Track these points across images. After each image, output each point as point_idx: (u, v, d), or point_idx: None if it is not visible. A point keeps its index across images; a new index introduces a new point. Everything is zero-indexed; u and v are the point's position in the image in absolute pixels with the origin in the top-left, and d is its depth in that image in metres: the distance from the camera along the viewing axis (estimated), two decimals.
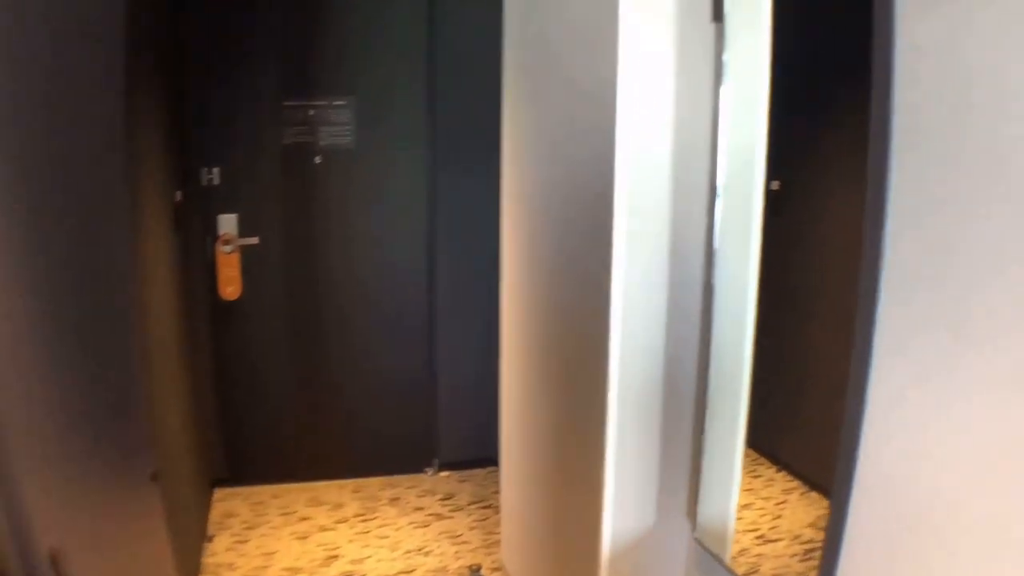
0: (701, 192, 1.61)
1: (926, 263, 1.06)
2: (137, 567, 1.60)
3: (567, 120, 1.86)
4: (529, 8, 2.12)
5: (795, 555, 1.40)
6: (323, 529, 2.98)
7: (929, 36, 1.04)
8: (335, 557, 2.78)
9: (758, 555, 1.51)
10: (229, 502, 3.16)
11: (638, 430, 1.70)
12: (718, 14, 1.47)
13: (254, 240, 3.10)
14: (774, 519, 1.49)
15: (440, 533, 2.97)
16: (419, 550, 2.84)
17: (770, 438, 1.53)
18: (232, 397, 3.22)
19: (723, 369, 1.60)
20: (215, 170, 3.03)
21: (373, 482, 3.39)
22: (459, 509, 3.19)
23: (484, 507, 3.20)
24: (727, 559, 1.57)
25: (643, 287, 1.63)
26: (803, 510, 1.41)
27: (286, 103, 3.06)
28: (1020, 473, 0.93)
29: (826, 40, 1.22)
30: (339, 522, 3.04)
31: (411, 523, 3.05)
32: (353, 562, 2.75)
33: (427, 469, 3.50)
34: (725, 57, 1.43)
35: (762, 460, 1.55)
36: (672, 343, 1.68)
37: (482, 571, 2.69)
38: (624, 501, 1.72)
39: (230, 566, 2.67)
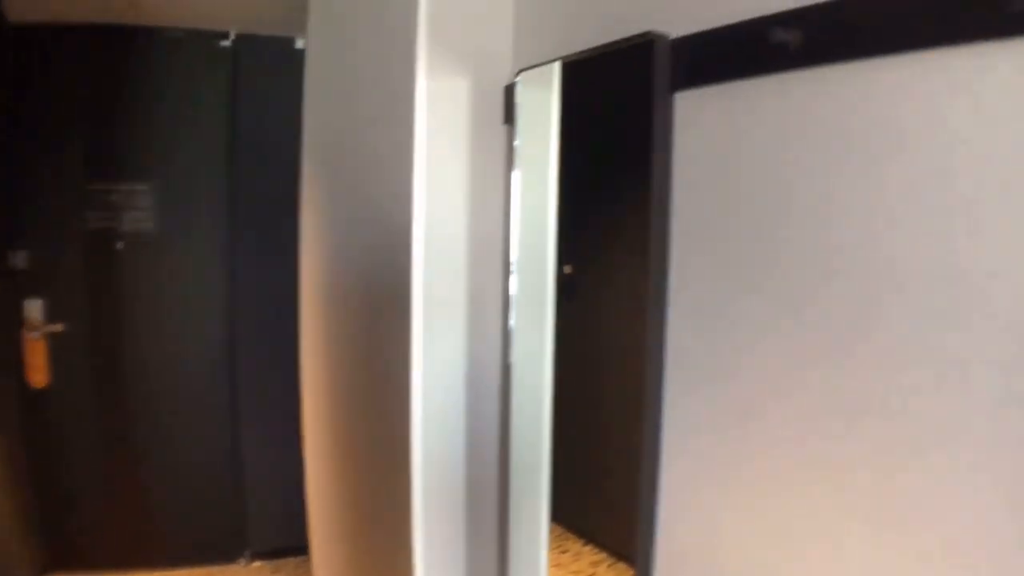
0: (496, 275, 1.67)
1: (706, 356, 1.17)
2: None
3: (366, 209, 1.86)
4: (329, 104, 2.12)
5: None
6: None
7: (704, 144, 1.17)
8: None
9: None
10: None
11: (444, 512, 1.69)
12: (509, 117, 1.56)
13: (60, 327, 2.93)
14: None
15: None
16: None
17: (575, 512, 1.58)
18: (48, 485, 2.98)
19: (524, 446, 1.63)
20: (21, 253, 2.88)
21: (183, 574, 3.14)
22: None
23: None
24: None
25: (442, 369, 1.65)
26: None
27: (91, 186, 2.97)
28: (799, 549, 1.04)
29: (610, 143, 1.33)
30: None
31: None
32: None
33: (240, 559, 3.28)
34: (516, 155, 1.51)
35: (568, 534, 1.58)
36: (473, 423, 1.70)
37: None
38: None
39: None
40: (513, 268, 1.57)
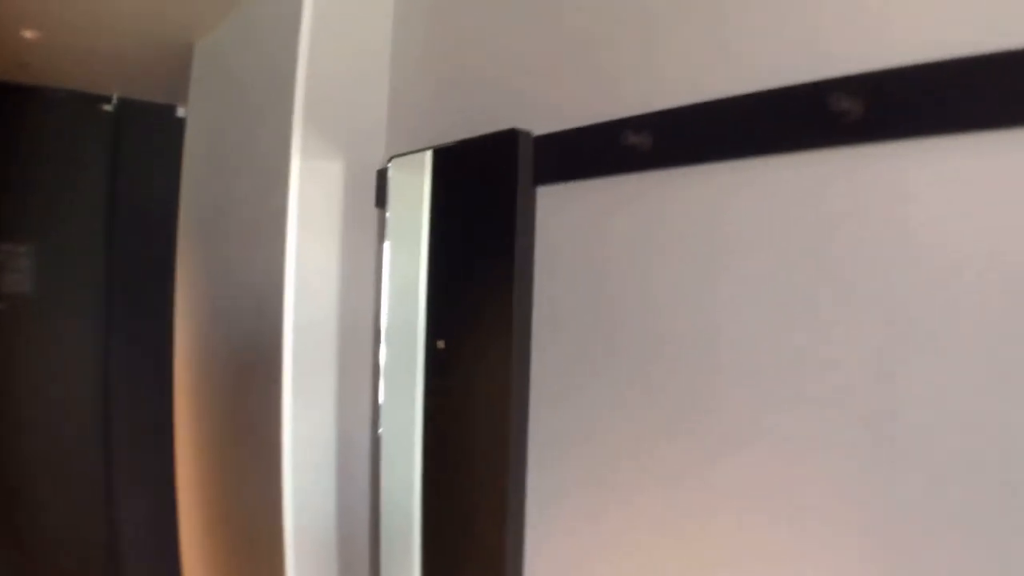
0: (367, 349, 1.68)
1: (568, 428, 1.21)
2: None
3: (240, 280, 1.84)
4: (207, 174, 2.10)
5: None
6: None
7: (563, 235, 1.23)
8: None
9: None
10: None
11: None
12: (380, 201, 1.59)
13: None
14: None
15: None
16: None
17: None
18: None
19: (395, 516, 1.62)
20: None
21: None
22: None
23: None
24: None
25: (313, 440, 1.63)
26: None
27: None
28: None
29: (478, 229, 1.37)
30: None
31: None
32: None
33: None
34: (387, 235, 1.54)
35: None
36: (344, 493, 1.69)
37: None
38: None
39: None
40: (384, 341, 1.57)
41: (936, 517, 0.78)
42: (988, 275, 0.76)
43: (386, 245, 1.54)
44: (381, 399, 1.59)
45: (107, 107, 2.99)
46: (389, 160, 1.53)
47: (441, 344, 1.54)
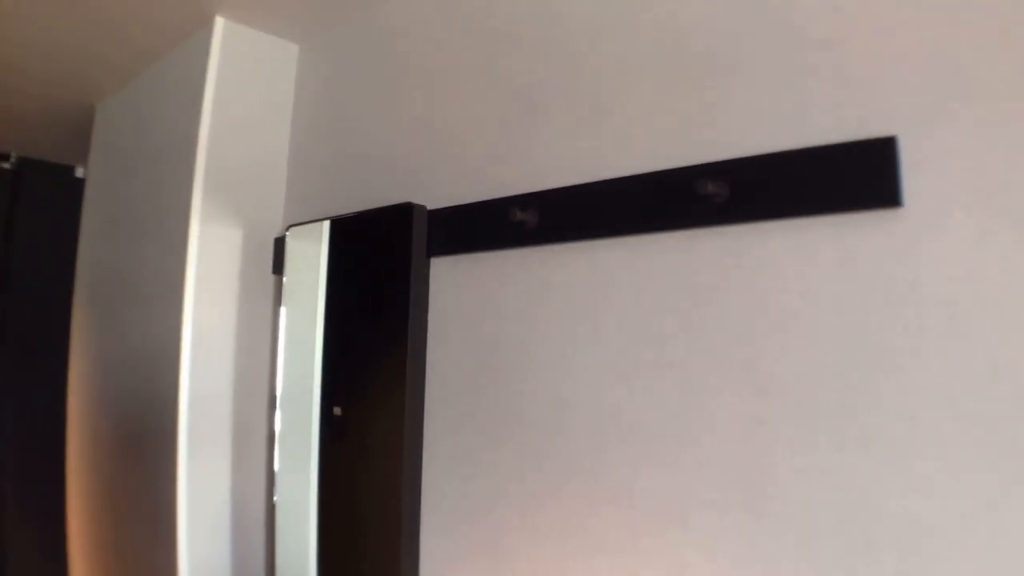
0: (262, 414, 1.66)
1: (458, 498, 1.22)
2: None
3: (135, 346, 1.79)
4: (105, 237, 2.06)
5: None
6: None
7: (456, 304, 1.26)
8: None
9: None
10: None
11: None
12: (278, 268, 1.59)
13: None
14: None
15: None
16: None
17: None
18: None
19: None
20: None
21: None
22: None
23: None
24: None
25: (208, 508, 1.59)
26: None
27: None
28: None
29: (374, 297, 1.39)
30: None
31: None
32: None
33: None
34: (284, 302, 1.54)
35: None
36: (240, 561, 1.63)
37: None
38: None
39: None
40: (279, 407, 1.56)
41: (804, 571, 0.83)
42: (841, 338, 0.83)
43: (283, 312, 1.54)
44: (276, 466, 1.57)
45: (5, 164, 2.91)
46: (287, 228, 1.55)
47: (337, 411, 1.54)
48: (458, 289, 1.27)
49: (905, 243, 0.80)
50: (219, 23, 1.63)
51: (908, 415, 0.78)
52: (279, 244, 1.63)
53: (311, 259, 1.49)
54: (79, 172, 2.94)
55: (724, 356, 0.93)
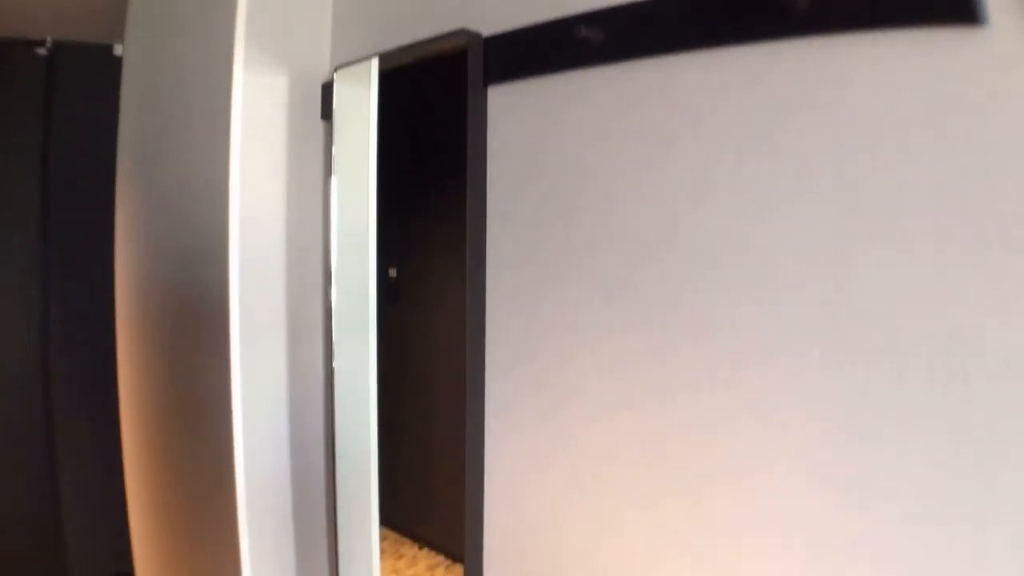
0: (317, 281, 1.63)
1: (524, 339, 1.20)
2: None
3: (182, 216, 1.77)
4: (145, 110, 2.01)
5: None
6: None
7: (517, 135, 1.20)
8: None
9: None
10: None
11: (271, 525, 1.62)
12: (327, 112, 1.53)
13: None
14: None
15: None
16: None
17: (407, 517, 1.56)
18: None
19: (351, 453, 1.60)
20: None
21: None
22: None
23: None
24: None
25: (264, 378, 1.60)
26: None
27: None
28: (618, 522, 1.08)
29: (428, 138, 1.34)
30: None
31: None
32: None
33: None
34: (334, 150, 1.48)
35: (403, 540, 1.56)
36: (298, 431, 1.66)
37: None
38: None
39: None
40: (334, 269, 1.54)
41: (897, 402, 0.79)
42: (936, 156, 0.76)
43: (333, 160, 1.49)
44: (334, 330, 1.56)
45: (40, 51, 2.83)
46: (334, 71, 1.48)
47: (392, 272, 1.52)
48: (518, 118, 1.19)
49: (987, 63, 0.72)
50: None
51: (1003, 239, 0.72)
52: (326, 89, 1.55)
53: (360, 101, 1.42)
54: (117, 50, 2.85)
55: (807, 174, 0.86)
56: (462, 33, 1.21)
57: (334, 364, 1.56)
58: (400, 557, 1.57)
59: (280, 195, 1.57)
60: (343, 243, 1.52)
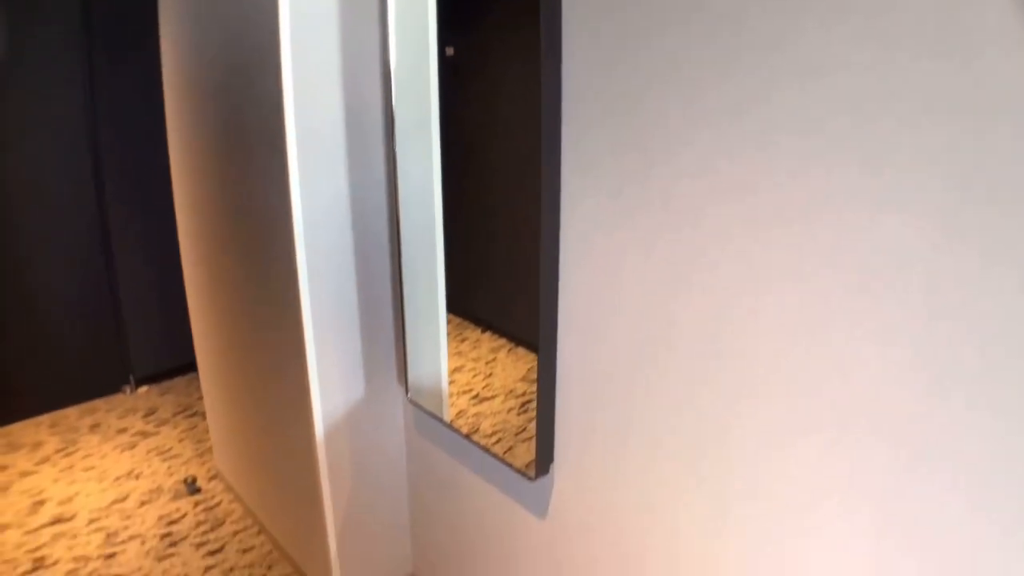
0: (375, 58, 1.53)
1: (604, 95, 1.10)
2: None
3: (231, 16, 1.64)
4: None
5: (511, 409, 1.49)
6: (24, 474, 2.63)
7: None
8: (42, 502, 2.47)
9: (476, 414, 1.58)
10: None
11: (334, 305, 1.67)
12: None
13: None
14: (486, 378, 1.56)
15: (149, 452, 2.77)
16: (129, 474, 2.62)
17: (470, 301, 1.57)
18: None
19: (416, 236, 1.59)
20: None
21: (70, 412, 3.06)
22: (164, 423, 2.98)
23: (191, 415, 3.04)
24: (446, 418, 1.63)
25: (324, 162, 1.56)
26: (512, 366, 1.49)
27: None
28: (708, 295, 1.04)
29: None
30: (40, 463, 2.70)
31: (116, 447, 2.80)
32: (62, 503, 2.47)
33: (124, 387, 3.22)
34: None
35: (466, 323, 1.59)
36: (360, 215, 1.65)
37: (197, 482, 2.55)
38: (330, 379, 1.71)
39: None
40: (392, 46, 1.43)
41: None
42: None
43: None
44: (395, 109, 1.48)
45: None
46: None
47: (450, 51, 1.41)
48: None
49: None
50: None
51: None
52: None
53: None
54: None
55: None
56: None
57: (395, 147, 1.51)
58: (463, 340, 1.60)
59: None
60: (401, 19, 1.40)
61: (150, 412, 3.06)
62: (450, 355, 1.62)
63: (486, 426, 1.56)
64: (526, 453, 1.46)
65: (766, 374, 0.96)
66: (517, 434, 1.48)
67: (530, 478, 1.42)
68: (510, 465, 1.46)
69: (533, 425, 1.44)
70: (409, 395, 1.72)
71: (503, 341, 1.52)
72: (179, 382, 3.31)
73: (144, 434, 2.89)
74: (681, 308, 1.06)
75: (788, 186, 0.88)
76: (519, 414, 1.48)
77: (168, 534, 2.32)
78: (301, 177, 1.52)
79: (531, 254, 1.32)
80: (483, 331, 1.57)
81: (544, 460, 1.39)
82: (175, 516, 2.40)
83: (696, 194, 0.99)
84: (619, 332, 1.18)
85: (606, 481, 1.29)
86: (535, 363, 1.42)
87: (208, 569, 2.16)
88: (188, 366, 3.26)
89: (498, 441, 1.52)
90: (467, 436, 1.57)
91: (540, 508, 1.47)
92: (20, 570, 2.17)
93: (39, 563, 2.20)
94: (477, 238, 1.51)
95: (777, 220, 0.90)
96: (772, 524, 1.00)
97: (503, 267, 1.48)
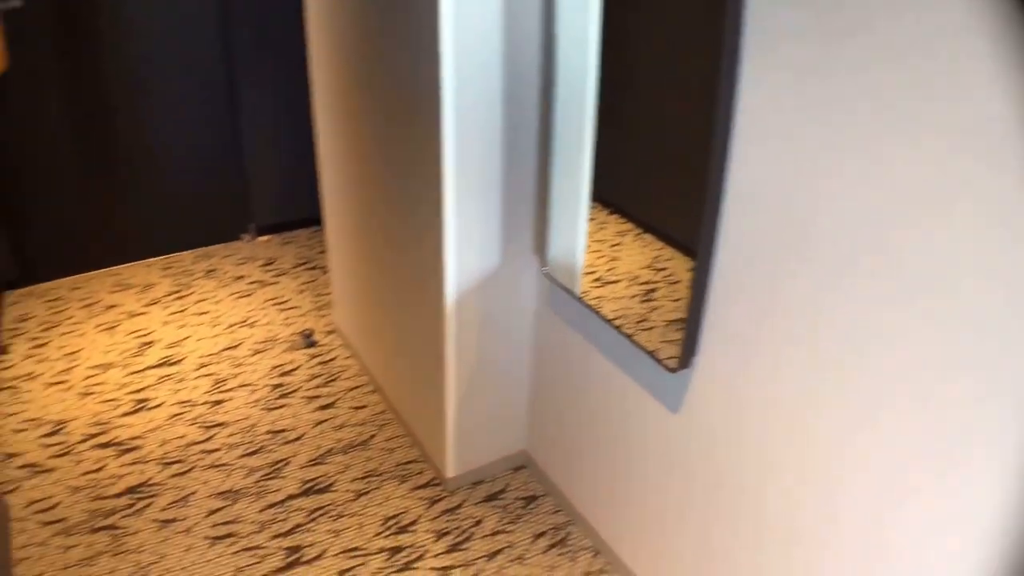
0: None
1: None
2: None
3: None
4: None
5: (635, 296, 1.43)
6: (133, 315, 2.71)
7: None
8: (149, 344, 2.55)
9: (598, 297, 1.53)
10: (21, 305, 2.77)
11: (479, 162, 1.60)
12: None
13: (16, 2, 2.45)
14: (610, 261, 1.50)
15: (265, 301, 2.81)
16: (243, 322, 2.67)
17: (600, 181, 1.49)
18: (8, 187, 2.72)
19: (566, 111, 1.50)
20: None
21: (184, 256, 3.11)
22: (283, 273, 3.00)
23: (311, 268, 3.04)
24: (578, 292, 1.58)
25: (477, 30, 1.46)
26: (638, 252, 1.42)
27: None
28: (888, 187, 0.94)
29: None
30: (150, 304, 2.77)
31: (232, 294, 2.84)
32: (170, 346, 2.54)
33: (243, 235, 3.23)
34: None
35: (594, 204, 1.51)
36: (511, 86, 1.57)
37: (314, 336, 2.61)
38: (466, 243, 1.67)
39: (30, 376, 2.39)
40: None
41: None
42: None
43: None
44: None
45: None
46: None
47: None
48: None
49: None
50: None
51: None
52: None
53: None
54: None
55: None
56: None
57: (555, 29, 1.40)
58: (590, 220, 1.52)
59: None
60: None
61: (269, 262, 3.09)
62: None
63: (606, 310, 1.50)
64: (647, 343, 1.40)
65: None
66: (639, 322, 1.42)
67: (672, 369, 1.36)
68: (652, 354, 1.39)
69: (655, 315, 1.38)
70: (545, 268, 1.67)
71: (630, 226, 1.44)
72: (301, 234, 3.30)
73: (262, 283, 2.93)
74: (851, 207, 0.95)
75: None
76: (642, 302, 1.41)
77: (279, 385, 2.38)
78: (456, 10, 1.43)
79: (676, 142, 1.23)
80: (610, 213, 1.49)
81: (689, 353, 1.33)
82: (288, 368, 2.46)
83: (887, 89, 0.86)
84: (787, 229, 1.09)
85: (750, 381, 1.23)
86: (662, 251, 1.35)
87: (318, 423, 2.22)
88: (310, 220, 3.24)
89: (619, 328, 1.47)
90: (608, 320, 1.50)
91: (674, 402, 1.42)
92: (121, 410, 2.25)
93: (141, 404, 2.27)
94: (620, 118, 1.41)
95: None
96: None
97: (643, 152, 1.38)
